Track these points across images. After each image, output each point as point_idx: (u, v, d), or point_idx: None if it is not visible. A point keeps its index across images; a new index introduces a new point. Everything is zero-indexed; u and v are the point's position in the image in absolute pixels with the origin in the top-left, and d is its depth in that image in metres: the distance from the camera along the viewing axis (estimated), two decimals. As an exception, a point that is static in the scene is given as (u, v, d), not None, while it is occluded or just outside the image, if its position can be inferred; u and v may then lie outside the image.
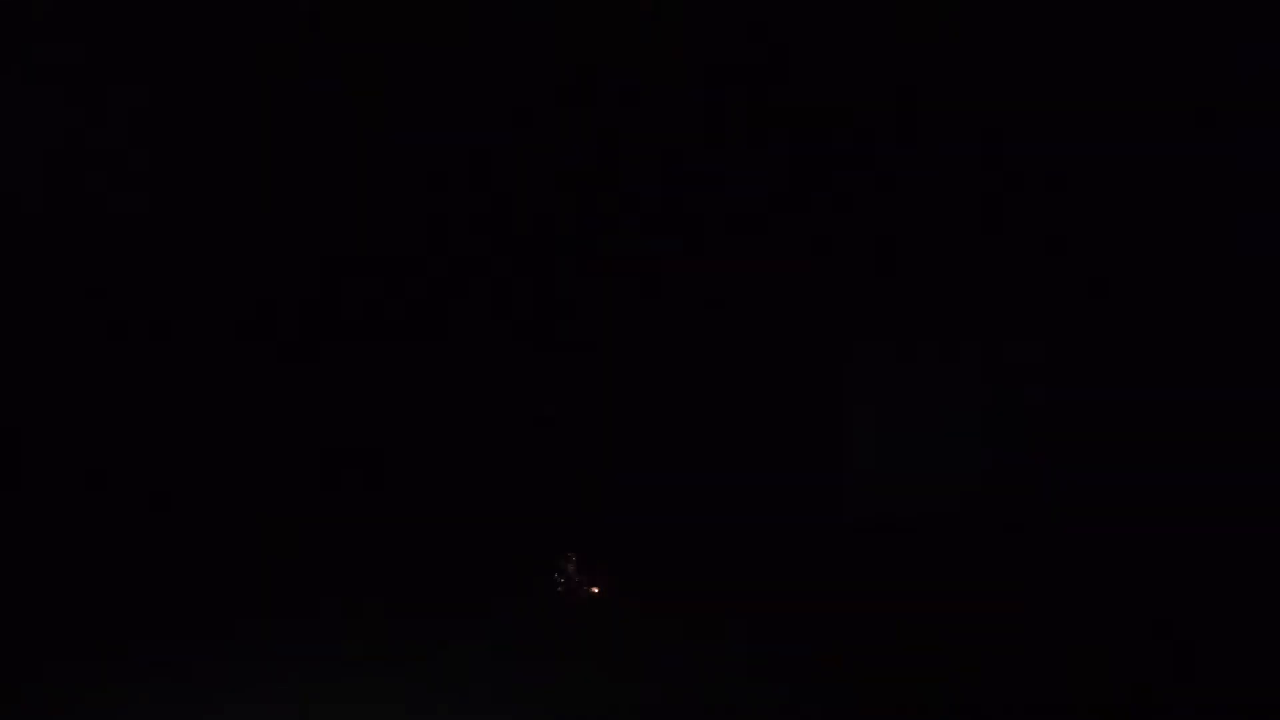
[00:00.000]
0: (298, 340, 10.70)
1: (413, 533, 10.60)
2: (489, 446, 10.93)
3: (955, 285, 10.49)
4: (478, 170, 9.64)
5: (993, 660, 5.70)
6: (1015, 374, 10.55)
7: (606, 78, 8.65)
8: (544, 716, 5.00)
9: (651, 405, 10.94)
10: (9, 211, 9.07)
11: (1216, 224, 9.48)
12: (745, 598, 7.99)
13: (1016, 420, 10.50)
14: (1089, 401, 10.26)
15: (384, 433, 10.90)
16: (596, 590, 7.87)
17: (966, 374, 10.72)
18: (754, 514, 10.35)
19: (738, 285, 10.67)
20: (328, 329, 10.71)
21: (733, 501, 10.47)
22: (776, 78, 8.75)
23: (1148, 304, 10.21)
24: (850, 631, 6.73)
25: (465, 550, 10.11)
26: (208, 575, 9.59)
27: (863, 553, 9.70)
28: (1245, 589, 7.13)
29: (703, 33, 8.38)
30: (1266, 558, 7.70)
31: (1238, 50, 8.03)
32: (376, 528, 10.67)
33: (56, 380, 10.39)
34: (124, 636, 7.11)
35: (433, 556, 10.16)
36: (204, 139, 8.98)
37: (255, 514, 10.37)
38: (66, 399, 10.39)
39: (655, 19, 8.04)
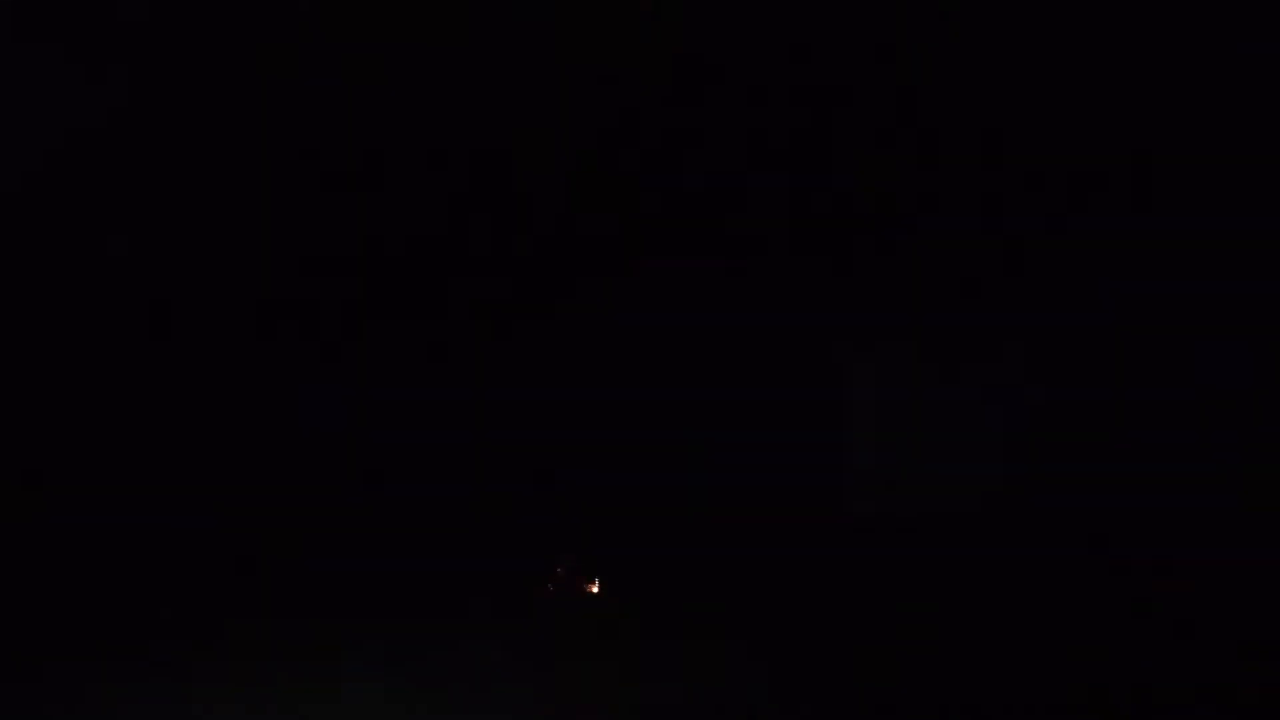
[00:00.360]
0: (298, 341, 10.69)
1: (413, 533, 10.59)
2: (489, 446, 10.92)
3: (956, 287, 10.48)
4: (477, 170, 9.64)
5: (992, 660, 5.70)
6: (1015, 376, 10.54)
7: (606, 78, 8.65)
8: (544, 716, 5.00)
9: (653, 405, 10.94)
10: (8, 211, 9.06)
11: (1216, 226, 9.48)
12: (746, 597, 7.99)
13: (1016, 421, 10.49)
14: (1087, 402, 10.26)
15: (384, 433, 10.89)
16: (596, 590, 7.87)
17: (966, 376, 10.72)
18: (755, 513, 10.35)
19: (739, 286, 10.67)
20: (329, 329, 10.71)
21: (734, 501, 10.48)
22: (777, 78, 8.75)
23: (1146, 306, 10.20)
24: (850, 631, 6.73)
25: (465, 551, 10.10)
26: (207, 575, 9.59)
27: (863, 552, 9.70)
28: (1242, 587, 7.12)
29: (702, 32, 8.37)
30: (1265, 553, 7.70)
31: (1238, 50, 8.03)
32: (376, 528, 10.66)
33: (56, 381, 10.39)
34: (124, 637, 7.11)
35: (433, 557, 10.16)
36: (203, 139, 8.97)
37: (255, 514, 10.36)
38: (66, 399, 10.38)
39: (655, 19, 8.04)
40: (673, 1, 7.96)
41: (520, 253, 10.26)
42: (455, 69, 8.41)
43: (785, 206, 9.86)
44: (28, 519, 10.09)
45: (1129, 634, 6.07)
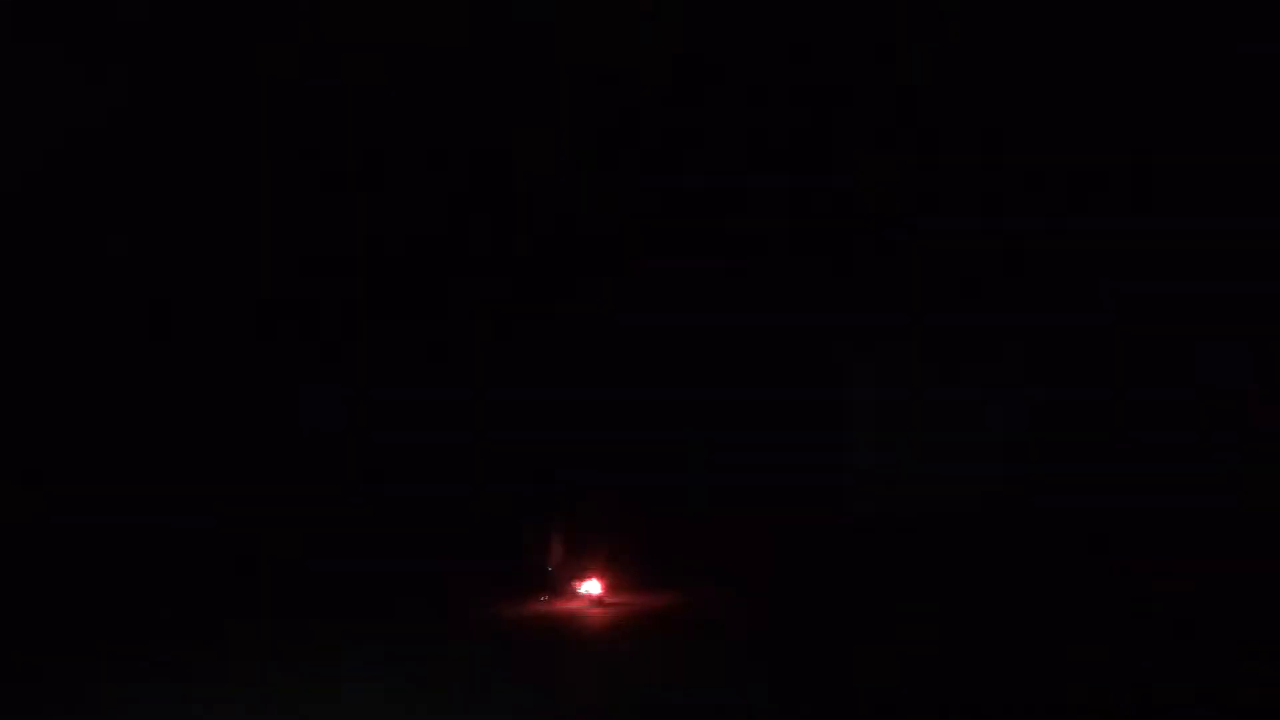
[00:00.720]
0: (298, 341, 10.69)
1: (413, 533, 10.59)
2: (489, 446, 10.92)
3: (956, 287, 10.49)
4: (477, 170, 9.64)
5: (992, 660, 5.70)
6: (1015, 376, 10.55)
7: (606, 78, 8.65)
8: (544, 716, 5.00)
9: (653, 405, 10.95)
10: (8, 211, 9.06)
11: (1216, 226, 9.48)
12: (746, 596, 8.00)
13: (1016, 421, 10.50)
14: (1087, 402, 10.27)
15: (384, 433, 10.90)
16: (600, 592, 7.88)
17: (966, 376, 10.73)
18: (755, 513, 10.36)
19: (739, 286, 10.67)
20: (329, 329, 10.70)
21: (734, 501, 10.48)
22: (777, 78, 8.75)
23: (1145, 305, 10.21)
24: (850, 630, 6.73)
25: (464, 550, 10.10)
26: (207, 575, 9.58)
27: (863, 551, 9.71)
28: (1242, 587, 7.13)
29: (702, 32, 8.37)
30: (1265, 553, 7.71)
31: (1238, 50, 8.02)
32: (376, 528, 10.66)
33: (56, 381, 10.38)
34: (124, 637, 7.11)
35: (432, 557, 10.16)
36: (203, 139, 8.97)
37: (255, 514, 10.36)
38: (66, 399, 10.38)
39: (655, 19, 8.04)
40: (673, 1, 7.96)
41: (520, 253, 10.26)
42: (455, 69, 8.40)
43: (785, 206, 9.85)
44: (28, 519, 10.09)
45: (1129, 634, 6.07)
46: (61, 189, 9.04)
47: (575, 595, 7.92)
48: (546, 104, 8.81)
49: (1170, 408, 10.04)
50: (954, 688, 5.28)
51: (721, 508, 10.38)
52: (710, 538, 10.06)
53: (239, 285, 10.20)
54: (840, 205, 9.81)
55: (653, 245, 10.08)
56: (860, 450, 10.82)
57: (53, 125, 8.44)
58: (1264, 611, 6.48)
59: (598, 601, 7.85)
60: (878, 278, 10.44)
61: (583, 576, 8.01)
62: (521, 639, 6.83)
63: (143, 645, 6.73)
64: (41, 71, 8.02)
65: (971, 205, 9.68)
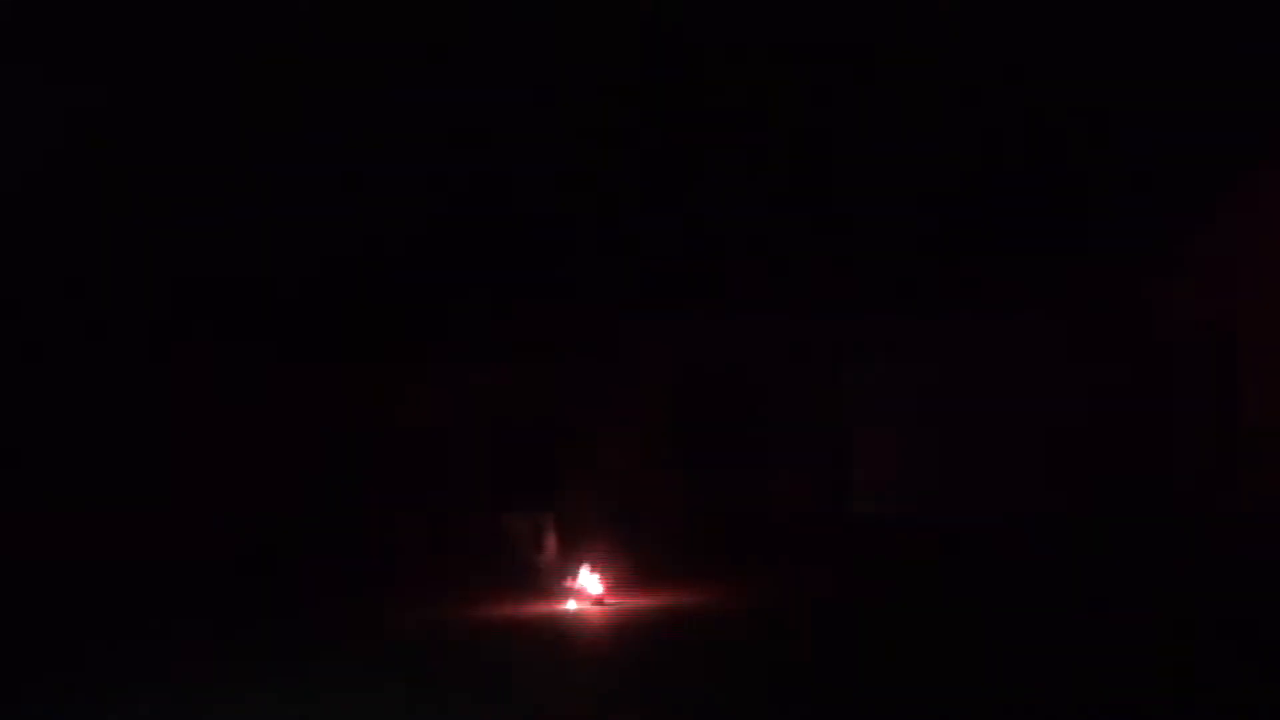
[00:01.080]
0: (299, 341, 10.70)
1: (412, 533, 10.60)
2: (488, 447, 10.93)
3: (955, 287, 10.50)
4: (477, 170, 9.63)
5: (992, 660, 5.71)
6: (1015, 381, 10.57)
7: (607, 80, 8.65)
8: (545, 716, 4.99)
9: (654, 406, 10.97)
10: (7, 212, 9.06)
11: (1216, 226, 9.47)
12: (745, 596, 8.02)
13: (1013, 425, 10.51)
14: (1086, 408, 10.29)
15: (384, 433, 10.90)
16: (602, 592, 7.88)
17: (966, 380, 10.74)
18: (754, 514, 10.38)
19: (739, 289, 10.68)
20: (331, 329, 10.71)
21: (733, 501, 10.50)
22: (776, 81, 8.75)
23: (1146, 307, 10.20)
24: (851, 630, 6.73)
25: (463, 550, 10.11)
26: (208, 575, 9.59)
27: (862, 553, 9.73)
28: (1242, 587, 7.15)
29: (702, 35, 8.37)
30: (1265, 553, 7.73)
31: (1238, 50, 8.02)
32: (374, 528, 10.66)
33: (55, 382, 10.38)
34: (124, 638, 7.12)
35: (431, 556, 10.17)
36: (202, 139, 8.96)
37: (255, 514, 10.37)
38: (66, 400, 10.37)
39: (655, 18, 8.04)
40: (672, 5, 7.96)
41: (519, 252, 10.26)
42: (455, 68, 8.40)
43: (787, 212, 9.85)
44: (27, 519, 10.08)
45: (1127, 636, 6.07)
46: (58, 189, 9.03)
47: (572, 594, 7.91)
48: (546, 105, 8.80)
49: (1168, 410, 10.05)
50: (954, 687, 5.28)
51: (723, 507, 10.39)
52: (712, 537, 10.08)
53: (238, 285, 10.19)
54: (840, 208, 9.81)
55: (652, 246, 10.08)
56: (860, 453, 10.85)
57: (49, 128, 8.43)
58: (1264, 611, 6.49)
59: (597, 601, 7.84)
60: (877, 278, 10.43)
61: (577, 575, 8.01)
62: (521, 638, 6.83)
63: (144, 646, 6.73)
64: (36, 76, 8.00)
65: (972, 206, 9.68)
